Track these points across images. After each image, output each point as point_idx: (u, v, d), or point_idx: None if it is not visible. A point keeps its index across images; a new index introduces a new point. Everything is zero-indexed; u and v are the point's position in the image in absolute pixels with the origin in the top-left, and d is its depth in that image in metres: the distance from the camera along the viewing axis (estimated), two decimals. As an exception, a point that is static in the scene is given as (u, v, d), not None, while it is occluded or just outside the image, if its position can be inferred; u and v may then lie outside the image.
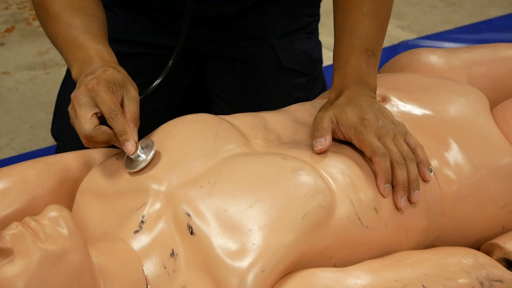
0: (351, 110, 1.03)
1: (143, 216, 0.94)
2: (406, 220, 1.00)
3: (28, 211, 1.02)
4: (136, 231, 0.93)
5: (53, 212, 0.84)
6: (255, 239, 0.87)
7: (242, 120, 1.10)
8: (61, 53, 1.12)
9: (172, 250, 0.91)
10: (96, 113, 0.97)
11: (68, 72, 1.44)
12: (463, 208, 1.07)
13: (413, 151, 1.02)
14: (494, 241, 1.08)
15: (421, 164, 1.02)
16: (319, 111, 1.06)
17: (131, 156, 0.98)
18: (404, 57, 1.37)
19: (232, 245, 0.87)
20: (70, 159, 1.10)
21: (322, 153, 1.01)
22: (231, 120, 1.09)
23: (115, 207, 0.98)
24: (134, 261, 0.91)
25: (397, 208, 0.99)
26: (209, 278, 0.87)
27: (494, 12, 2.64)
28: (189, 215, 0.91)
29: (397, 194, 0.99)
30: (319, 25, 1.51)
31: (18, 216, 1.00)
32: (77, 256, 0.82)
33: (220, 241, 0.88)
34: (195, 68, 1.45)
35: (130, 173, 0.99)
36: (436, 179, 1.05)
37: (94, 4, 1.14)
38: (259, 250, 0.87)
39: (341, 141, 1.05)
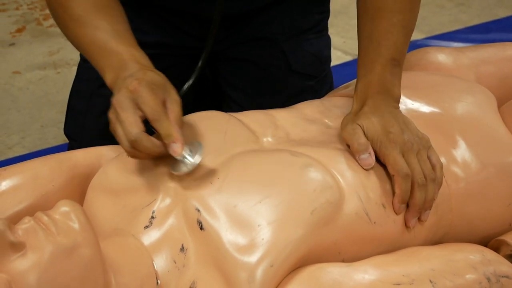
0: (378, 121, 1.02)
1: (153, 212, 0.95)
2: (414, 217, 1.01)
3: (40, 207, 1.02)
4: (147, 227, 0.94)
5: (65, 207, 0.84)
6: (264, 234, 0.88)
7: (252, 117, 1.10)
8: (88, 57, 1.08)
9: (182, 245, 0.91)
10: (140, 117, 0.93)
11: (79, 72, 1.44)
12: (471, 205, 1.07)
13: (432, 167, 1.01)
14: (501, 237, 1.08)
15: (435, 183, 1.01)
16: (346, 122, 1.04)
17: (178, 158, 0.93)
18: (412, 55, 1.37)
19: (241, 240, 0.88)
20: (81, 156, 1.11)
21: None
22: (241, 117, 1.09)
23: (125, 203, 0.99)
24: (144, 256, 0.91)
25: (407, 226, 0.99)
26: (218, 273, 0.87)
27: (502, 12, 2.64)
28: (198, 210, 0.92)
29: (410, 214, 0.99)
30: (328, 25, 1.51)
31: (30, 212, 1.00)
32: (88, 250, 0.83)
33: (230, 236, 0.88)
34: (207, 66, 1.45)
35: (176, 176, 0.95)
36: (444, 176, 1.05)
37: (115, 3, 1.12)
38: (268, 245, 0.87)
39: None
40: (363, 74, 1.08)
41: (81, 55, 1.44)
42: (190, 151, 0.94)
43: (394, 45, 1.08)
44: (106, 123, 1.38)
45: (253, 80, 1.41)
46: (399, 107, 1.07)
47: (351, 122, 1.03)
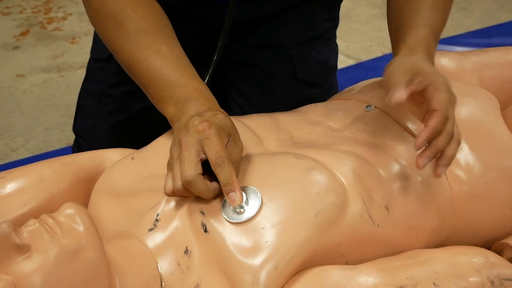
0: (429, 65, 0.99)
1: (157, 215, 0.95)
2: (417, 219, 1.01)
3: (45, 209, 1.03)
4: (151, 229, 0.94)
5: (70, 209, 0.85)
6: (268, 237, 0.88)
7: (256, 120, 1.11)
8: (142, 81, 1.05)
9: (186, 247, 0.92)
10: (201, 159, 0.91)
11: (89, 71, 1.43)
12: (473, 208, 1.08)
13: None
14: (505, 241, 1.08)
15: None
16: (394, 62, 1.00)
17: (234, 207, 0.91)
18: (415, 59, 1.37)
19: (245, 243, 0.88)
20: (86, 159, 1.11)
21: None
22: (245, 120, 1.10)
23: (130, 205, 0.99)
24: (148, 258, 0.92)
25: (417, 163, 0.92)
26: (222, 275, 0.88)
27: (504, 17, 2.65)
28: (203, 213, 0.92)
29: (428, 151, 0.92)
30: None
31: (35, 214, 1.00)
32: (93, 253, 0.83)
33: (234, 239, 0.89)
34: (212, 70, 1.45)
35: (229, 222, 0.91)
36: (447, 179, 1.06)
37: (168, 21, 1.09)
38: (272, 247, 0.88)
39: (352, 142, 1.05)
40: (410, 33, 1.06)
41: (91, 53, 1.44)
42: (247, 199, 0.92)
43: (436, 23, 1.10)
44: (116, 123, 1.40)
45: (258, 86, 1.41)
46: None
47: (399, 62, 0.99)
